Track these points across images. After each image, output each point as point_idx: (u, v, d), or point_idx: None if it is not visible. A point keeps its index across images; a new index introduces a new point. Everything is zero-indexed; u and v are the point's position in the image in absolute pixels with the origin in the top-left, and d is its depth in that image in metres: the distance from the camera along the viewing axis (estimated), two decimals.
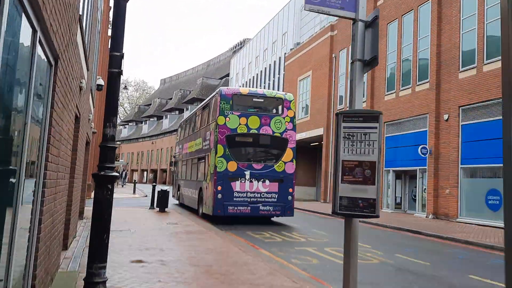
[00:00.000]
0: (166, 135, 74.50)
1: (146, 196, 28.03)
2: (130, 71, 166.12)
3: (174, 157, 25.53)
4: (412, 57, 22.28)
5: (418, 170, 21.37)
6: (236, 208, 14.25)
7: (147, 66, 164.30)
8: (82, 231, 10.46)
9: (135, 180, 37.02)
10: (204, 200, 15.63)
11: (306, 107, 34.74)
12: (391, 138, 23.74)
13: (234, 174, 14.38)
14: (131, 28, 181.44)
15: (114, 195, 25.53)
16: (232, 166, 14.43)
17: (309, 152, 37.91)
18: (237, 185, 14.35)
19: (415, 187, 22.27)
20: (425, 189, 20.85)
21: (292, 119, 15.37)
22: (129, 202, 22.76)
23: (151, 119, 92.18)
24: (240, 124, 14.67)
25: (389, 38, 24.49)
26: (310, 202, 31.22)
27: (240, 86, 58.77)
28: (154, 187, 18.18)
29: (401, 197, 23.39)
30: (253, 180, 14.53)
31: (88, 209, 15.67)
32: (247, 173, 14.52)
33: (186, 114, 75.44)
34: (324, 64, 31.79)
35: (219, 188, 14.21)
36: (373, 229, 15.02)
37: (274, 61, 46.49)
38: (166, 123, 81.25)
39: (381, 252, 9.57)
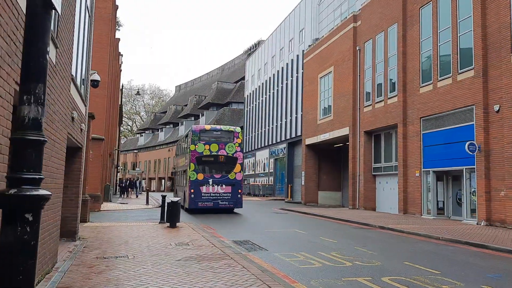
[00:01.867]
0: None
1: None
2: (145, 79, 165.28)
3: (174, 168, 33.18)
4: (451, 42, 19.65)
5: (464, 170, 18.68)
6: (203, 203, 21.48)
7: (162, 73, 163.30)
8: (67, 260, 8.22)
9: (147, 189, 34.90)
10: (186, 198, 22.62)
11: (328, 106, 32.20)
12: (429, 135, 21.09)
13: (201, 181, 21.58)
14: (145, 35, 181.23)
15: (125, 207, 23.23)
16: (200, 176, 21.63)
17: (333, 154, 35.38)
18: (204, 188, 21.55)
19: (460, 189, 19.59)
20: (473, 191, 18.16)
21: (240, 144, 22.54)
22: (139, 215, 20.60)
23: (167, 127, 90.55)
24: (205, 149, 21.92)
25: (422, 24, 21.91)
26: (337, 209, 28.66)
27: (251, 92, 56.73)
28: (164, 198, 15.90)
29: (443, 201, 20.67)
30: (214, 185, 21.68)
31: (90, 227, 13.44)
32: (210, 180, 21.69)
33: (202, 120, 73.57)
34: (347, 58, 29.29)
35: (192, 191, 21.46)
36: (421, 242, 12.49)
37: (292, 60, 44.06)
38: (182, 130, 79.45)
39: (460, 283, 7.08)
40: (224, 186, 21.67)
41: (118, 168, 58.53)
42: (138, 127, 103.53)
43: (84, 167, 11.81)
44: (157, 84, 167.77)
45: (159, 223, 15.63)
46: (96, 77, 12.78)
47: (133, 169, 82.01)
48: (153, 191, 76.36)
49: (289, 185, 41.37)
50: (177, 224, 14.53)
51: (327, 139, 32.00)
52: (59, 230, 8.50)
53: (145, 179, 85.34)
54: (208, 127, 24.20)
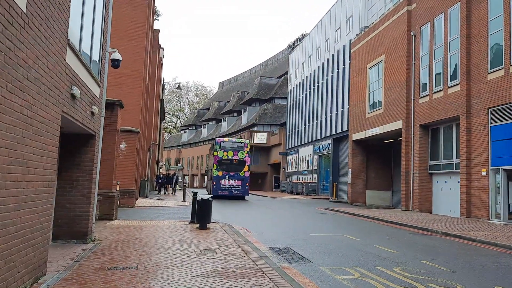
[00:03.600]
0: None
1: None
2: (190, 76, 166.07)
3: (207, 167, 43.59)
4: None
5: None
6: (222, 192, 30.28)
7: (206, 70, 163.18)
8: (61, 271, 6.64)
9: (185, 185, 33.82)
10: (210, 188, 32.10)
11: (378, 99, 29.65)
12: (499, 128, 18.35)
13: (221, 177, 30.68)
14: (191, 33, 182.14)
15: (160, 203, 25.69)
16: (220, 173, 30.76)
17: (382, 151, 32.76)
18: (222, 182, 30.62)
19: None
20: None
21: (248, 152, 31.60)
22: (172, 213, 19.18)
23: (210, 123, 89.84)
24: (224, 154, 31.03)
25: (490, 0, 19.15)
26: (388, 210, 26.17)
27: (294, 86, 54.19)
28: (195, 194, 14.27)
29: None
30: (229, 180, 30.69)
31: (112, 226, 11.95)
32: (227, 176, 30.71)
33: (244, 116, 72.00)
34: (400, 45, 26.68)
35: (214, 183, 30.64)
36: (502, 254, 10.13)
37: (338, 51, 41.55)
38: (224, 126, 78.42)
39: None
40: (236, 180, 30.84)
41: (160, 163, 58.01)
42: (182, 123, 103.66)
43: (100, 159, 10.30)
44: (201, 81, 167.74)
45: (189, 223, 14.03)
46: (117, 56, 11.27)
47: (176, 165, 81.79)
48: (196, 187, 75.78)
49: (334, 184, 38.99)
50: (209, 225, 12.84)
51: (377, 134, 29.48)
52: (53, 232, 6.95)
53: (187, 175, 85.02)
54: (226, 139, 34.23)
